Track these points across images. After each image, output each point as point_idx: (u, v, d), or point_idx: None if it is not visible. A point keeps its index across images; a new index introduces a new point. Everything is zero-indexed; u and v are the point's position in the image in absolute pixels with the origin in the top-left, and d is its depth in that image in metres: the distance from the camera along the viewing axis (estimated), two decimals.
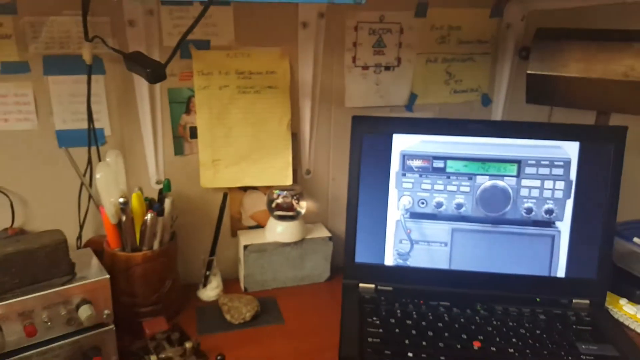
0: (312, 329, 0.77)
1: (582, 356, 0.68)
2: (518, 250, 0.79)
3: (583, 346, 0.70)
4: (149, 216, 0.71)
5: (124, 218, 0.70)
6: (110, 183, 0.68)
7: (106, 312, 0.62)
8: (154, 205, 0.75)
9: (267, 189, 0.89)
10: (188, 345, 0.67)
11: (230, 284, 0.87)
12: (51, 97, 0.75)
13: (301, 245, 0.88)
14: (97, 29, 0.73)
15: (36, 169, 0.77)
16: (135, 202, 0.71)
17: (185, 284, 0.85)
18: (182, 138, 0.84)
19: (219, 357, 0.65)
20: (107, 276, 0.62)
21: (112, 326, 0.64)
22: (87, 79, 0.73)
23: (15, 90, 0.73)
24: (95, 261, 0.66)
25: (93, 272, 0.63)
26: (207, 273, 0.85)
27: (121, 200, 0.69)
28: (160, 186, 0.81)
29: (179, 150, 0.84)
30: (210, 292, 0.85)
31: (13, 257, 0.56)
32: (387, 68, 0.91)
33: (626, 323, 0.81)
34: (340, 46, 0.87)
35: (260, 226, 0.92)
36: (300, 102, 0.88)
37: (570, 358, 0.67)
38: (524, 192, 0.78)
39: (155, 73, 0.57)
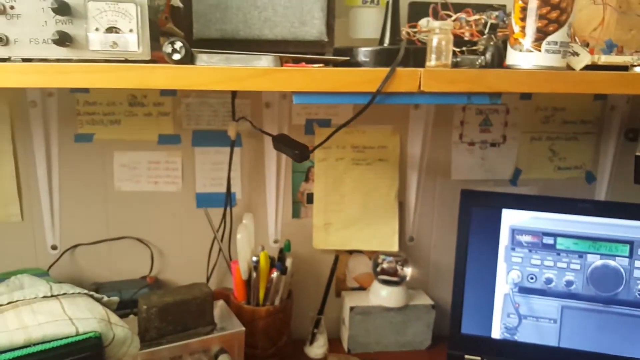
0: None
1: None
2: (631, 333, 0.79)
3: None
4: (275, 274, 0.78)
5: (254, 275, 0.78)
6: (245, 242, 0.77)
7: None
8: (276, 264, 0.82)
9: (372, 253, 0.94)
10: None
11: (333, 343, 0.92)
12: (195, 164, 0.86)
13: (404, 311, 0.92)
14: (239, 109, 0.84)
15: (175, 225, 0.87)
16: (262, 261, 0.79)
17: (292, 339, 0.91)
18: (300, 203, 0.92)
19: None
20: (243, 329, 0.69)
21: None
22: (230, 152, 0.84)
23: (167, 158, 0.85)
24: (227, 313, 0.73)
25: (229, 324, 0.70)
26: (315, 331, 0.90)
27: (254, 259, 0.77)
28: (277, 245, 0.89)
29: (296, 213, 0.92)
30: (317, 349, 0.90)
31: (171, 306, 0.64)
32: (493, 144, 0.95)
33: None
34: (448, 124, 0.93)
35: (362, 288, 0.97)
36: (407, 173, 0.94)
37: None
38: (637, 273, 0.79)
39: (302, 154, 0.66)
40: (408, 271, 0.92)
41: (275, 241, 0.92)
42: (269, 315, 0.78)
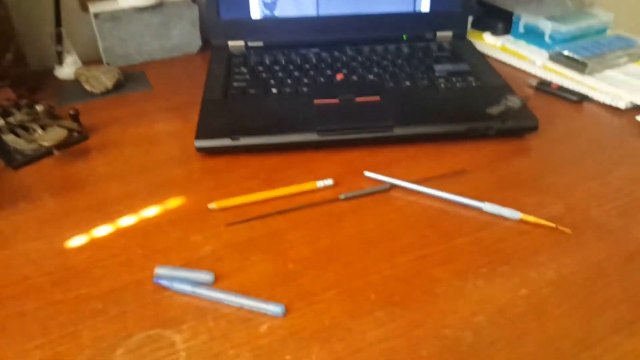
0: (181, 90, 0.75)
1: (436, 73, 0.71)
2: None
3: (439, 66, 0.72)
4: None
5: None
6: None
7: None
8: None
9: None
10: (39, 108, 0.63)
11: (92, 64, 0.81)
12: None
13: (161, 11, 0.82)
14: None
15: None
16: None
17: (42, 70, 0.79)
18: None
19: (72, 112, 0.62)
20: None
21: None
22: None
23: None
24: None
25: None
26: (59, 48, 0.78)
27: None
28: None
29: None
30: (67, 69, 0.80)
31: None
32: None
33: (486, 52, 0.85)
34: None
35: None
36: None
37: (425, 76, 0.70)
38: None
39: None
40: None
41: None
42: None
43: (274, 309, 0.39)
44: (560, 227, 0.48)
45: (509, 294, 0.41)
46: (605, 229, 0.48)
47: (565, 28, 0.81)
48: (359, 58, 0.76)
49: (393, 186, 0.54)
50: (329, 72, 0.72)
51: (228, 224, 0.49)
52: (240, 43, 0.80)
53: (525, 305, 0.40)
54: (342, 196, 0.53)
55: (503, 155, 0.59)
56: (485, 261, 0.44)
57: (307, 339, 0.38)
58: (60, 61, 0.80)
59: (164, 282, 0.42)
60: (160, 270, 0.43)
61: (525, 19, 0.84)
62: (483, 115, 0.61)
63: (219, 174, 0.57)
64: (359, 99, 0.64)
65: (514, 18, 0.86)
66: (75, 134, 0.62)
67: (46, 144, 0.56)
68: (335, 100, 0.64)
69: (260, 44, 0.81)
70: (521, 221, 0.49)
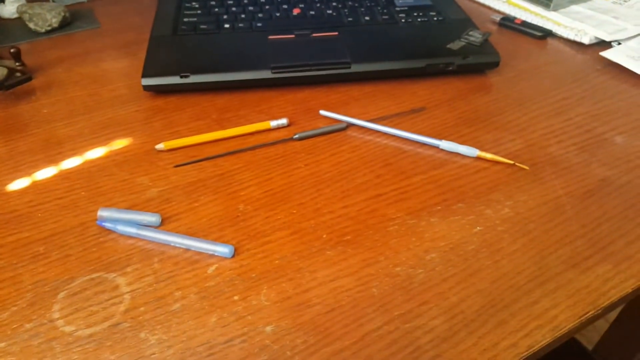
0: (131, 28, 0.71)
1: (397, 8, 0.68)
2: None
3: (400, 1, 0.69)
4: None
5: None
6: None
7: None
8: None
9: None
10: None
11: None
12: None
13: None
14: None
15: None
16: None
17: None
18: None
19: (12, 50, 0.57)
20: None
21: None
22: None
23: None
24: None
25: None
26: None
27: None
28: None
29: None
30: (9, 6, 0.74)
31: None
32: None
33: None
34: None
35: None
36: None
37: (385, 11, 0.67)
38: None
39: None
40: None
41: None
42: None
43: (222, 249, 0.38)
44: (517, 164, 0.47)
45: (463, 232, 0.41)
46: (564, 166, 0.47)
47: None
48: None
49: (349, 125, 0.52)
50: (285, 6, 0.68)
51: (176, 165, 0.47)
52: None
53: (479, 242, 0.40)
54: (296, 136, 0.51)
55: (463, 93, 0.58)
56: (440, 199, 0.44)
57: (256, 280, 0.37)
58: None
59: (108, 225, 0.40)
60: (103, 213, 0.41)
61: None
62: (443, 51, 0.59)
63: (167, 114, 0.54)
64: (315, 35, 0.61)
65: None
66: (18, 74, 0.58)
67: None
68: (291, 36, 0.61)
69: None
70: (478, 158, 0.48)
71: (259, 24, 0.64)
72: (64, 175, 0.46)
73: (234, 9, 0.68)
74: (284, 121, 0.52)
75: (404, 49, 0.60)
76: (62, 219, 0.42)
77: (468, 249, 0.39)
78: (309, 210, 0.43)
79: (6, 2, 0.75)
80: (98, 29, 0.72)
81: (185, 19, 0.65)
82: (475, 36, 0.61)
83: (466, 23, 0.64)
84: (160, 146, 0.49)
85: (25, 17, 0.70)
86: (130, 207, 0.43)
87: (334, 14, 0.67)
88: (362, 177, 0.46)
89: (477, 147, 0.48)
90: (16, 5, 0.74)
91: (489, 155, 0.48)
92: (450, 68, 0.58)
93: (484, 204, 0.43)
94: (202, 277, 0.37)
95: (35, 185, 0.45)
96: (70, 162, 0.48)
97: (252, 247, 0.40)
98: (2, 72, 0.53)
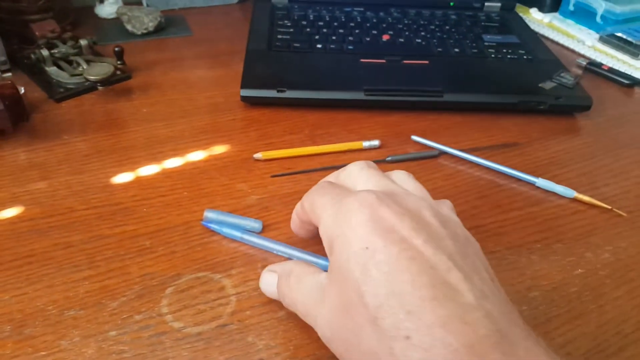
0: (222, 38, 0.74)
1: (485, 43, 0.69)
2: None
3: (488, 36, 0.70)
4: None
5: None
6: None
7: None
8: None
9: None
10: (83, 43, 0.62)
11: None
12: None
13: None
14: None
15: None
16: None
17: (81, 7, 0.77)
18: None
19: (117, 49, 0.60)
20: None
21: None
22: None
23: None
24: None
25: None
26: None
27: None
28: None
29: None
30: (108, 7, 0.78)
31: None
32: None
33: (532, 27, 0.82)
34: None
35: None
36: None
37: (474, 45, 0.68)
38: None
39: None
40: None
41: None
42: None
43: (325, 263, 0.39)
44: (615, 209, 0.47)
45: (565, 273, 0.40)
46: None
47: (619, 9, 0.78)
48: (405, 20, 0.74)
49: (442, 153, 0.53)
50: (374, 32, 0.70)
51: (273, 175, 0.48)
52: None
53: (582, 285, 0.40)
54: (389, 158, 0.51)
55: (553, 133, 0.57)
56: (539, 237, 0.44)
57: None
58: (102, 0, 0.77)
59: (214, 226, 0.41)
60: (209, 214, 0.42)
61: None
62: (535, 89, 0.59)
63: (262, 125, 0.56)
64: (406, 62, 0.62)
65: None
66: (119, 72, 0.60)
67: (92, 78, 0.54)
68: (382, 61, 0.62)
69: None
70: (574, 200, 0.48)
71: (350, 47, 0.66)
72: (166, 174, 0.48)
73: (324, 30, 0.69)
74: (375, 142, 0.53)
75: (496, 84, 0.60)
76: (166, 215, 0.43)
77: (570, 291, 0.39)
78: None
79: (105, 3, 0.78)
80: (191, 36, 0.74)
81: (279, 36, 0.67)
82: (567, 78, 0.61)
83: (556, 64, 0.65)
84: (258, 155, 0.50)
85: (124, 18, 0.74)
86: (231, 212, 0.44)
87: (423, 43, 0.68)
88: (458, 206, 0.46)
89: (571, 188, 0.48)
90: (115, 6, 0.77)
91: (586, 198, 0.47)
92: (542, 107, 0.58)
93: (584, 247, 0.43)
94: None
95: (139, 180, 0.47)
96: (172, 162, 0.49)
97: None
98: (109, 70, 0.56)
